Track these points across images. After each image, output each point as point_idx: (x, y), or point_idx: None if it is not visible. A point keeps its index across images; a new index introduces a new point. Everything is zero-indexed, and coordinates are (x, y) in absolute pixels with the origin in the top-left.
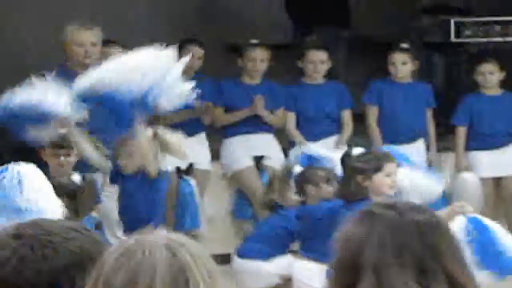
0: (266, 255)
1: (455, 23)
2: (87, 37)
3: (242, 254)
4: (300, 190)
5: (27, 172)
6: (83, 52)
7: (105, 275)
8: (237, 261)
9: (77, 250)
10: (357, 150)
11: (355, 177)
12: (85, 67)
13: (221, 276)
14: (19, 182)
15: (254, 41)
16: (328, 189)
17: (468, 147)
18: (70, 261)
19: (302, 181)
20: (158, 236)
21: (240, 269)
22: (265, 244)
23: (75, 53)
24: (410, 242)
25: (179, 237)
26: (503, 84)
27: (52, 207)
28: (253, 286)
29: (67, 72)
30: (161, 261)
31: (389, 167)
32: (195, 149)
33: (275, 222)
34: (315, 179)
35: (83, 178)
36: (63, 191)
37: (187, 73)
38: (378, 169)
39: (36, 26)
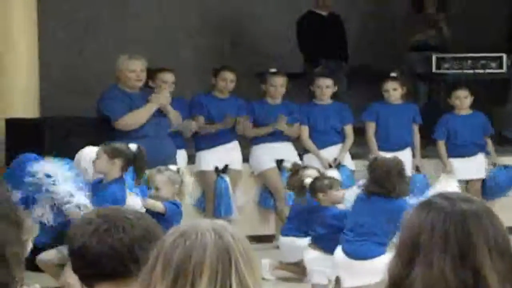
0: (302, 233)
1: (436, 58)
2: (138, 65)
3: (284, 233)
4: (314, 197)
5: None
6: (135, 76)
7: (164, 252)
8: (280, 239)
9: (146, 227)
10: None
11: (392, 175)
12: (134, 88)
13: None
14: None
15: (273, 69)
16: (334, 194)
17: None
18: (142, 234)
19: (313, 190)
20: (207, 222)
21: (282, 245)
22: (301, 223)
23: (128, 78)
24: (455, 230)
25: (222, 223)
26: (472, 105)
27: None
28: (292, 258)
29: (119, 91)
30: (210, 242)
31: None
32: (230, 153)
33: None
34: (322, 187)
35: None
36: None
37: (223, 93)
38: None
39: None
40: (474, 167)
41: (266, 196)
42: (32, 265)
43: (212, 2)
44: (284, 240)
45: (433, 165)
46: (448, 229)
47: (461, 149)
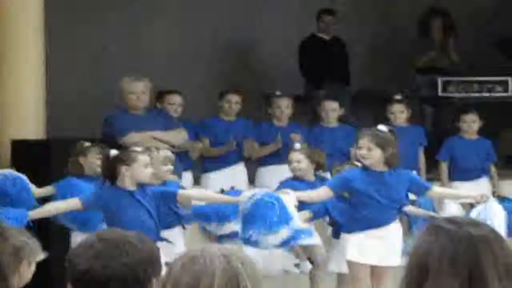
0: None
1: (442, 81)
2: (138, 86)
3: None
4: None
5: None
6: (135, 98)
7: (173, 277)
8: None
9: (148, 250)
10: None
11: None
12: (136, 108)
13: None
14: None
15: (278, 92)
16: None
17: (451, 178)
18: (145, 257)
19: None
20: (216, 248)
21: None
22: None
23: (128, 99)
24: (464, 254)
25: (232, 248)
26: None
27: None
28: None
29: (123, 111)
30: (219, 268)
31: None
32: (236, 175)
33: None
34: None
35: None
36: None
37: (229, 115)
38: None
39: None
40: (479, 190)
41: None
42: None
43: (222, 29)
44: None
45: None
46: (457, 253)
47: (465, 173)
